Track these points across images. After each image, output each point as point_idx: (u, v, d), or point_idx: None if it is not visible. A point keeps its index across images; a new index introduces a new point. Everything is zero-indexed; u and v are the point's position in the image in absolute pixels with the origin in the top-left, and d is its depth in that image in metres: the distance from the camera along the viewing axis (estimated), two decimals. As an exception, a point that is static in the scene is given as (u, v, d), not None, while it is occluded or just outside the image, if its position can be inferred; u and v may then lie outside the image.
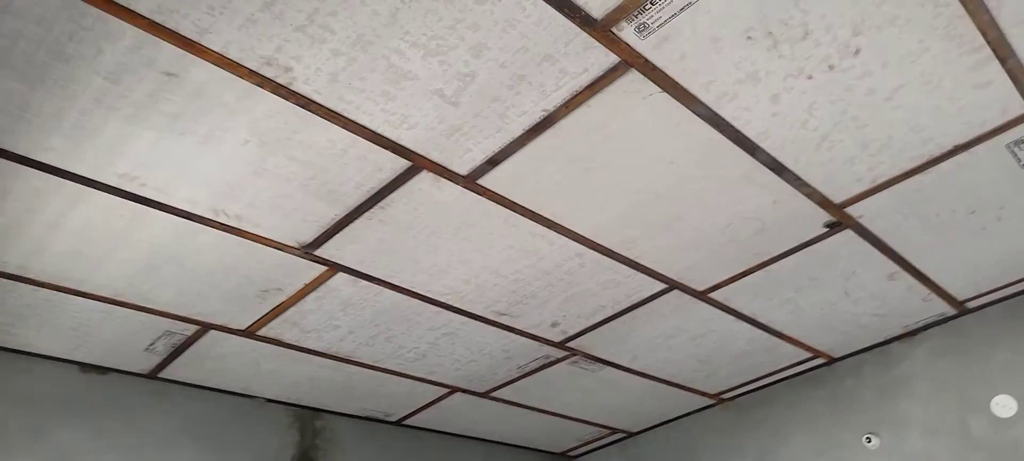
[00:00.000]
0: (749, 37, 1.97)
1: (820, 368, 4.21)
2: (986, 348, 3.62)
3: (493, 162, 2.32)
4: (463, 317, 3.24)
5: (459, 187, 2.42)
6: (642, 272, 3.03)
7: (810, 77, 2.11)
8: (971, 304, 3.62)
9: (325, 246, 2.66)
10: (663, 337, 3.62)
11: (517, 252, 2.81)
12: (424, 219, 2.57)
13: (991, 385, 3.57)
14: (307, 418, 3.99)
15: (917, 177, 2.60)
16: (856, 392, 4.05)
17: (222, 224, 2.48)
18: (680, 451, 4.77)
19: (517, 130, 2.20)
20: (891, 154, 2.46)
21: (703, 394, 4.43)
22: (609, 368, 3.91)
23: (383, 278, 2.90)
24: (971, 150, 2.47)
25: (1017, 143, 2.46)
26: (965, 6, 1.91)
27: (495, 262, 2.86)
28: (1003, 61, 2.10)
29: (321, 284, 2.88)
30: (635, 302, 3.26)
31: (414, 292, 3.02)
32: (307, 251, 2.67)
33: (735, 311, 3.44)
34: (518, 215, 2.59)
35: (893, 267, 3.18)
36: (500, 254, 2.81)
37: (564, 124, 2.20)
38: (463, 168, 2.34)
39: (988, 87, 2.19)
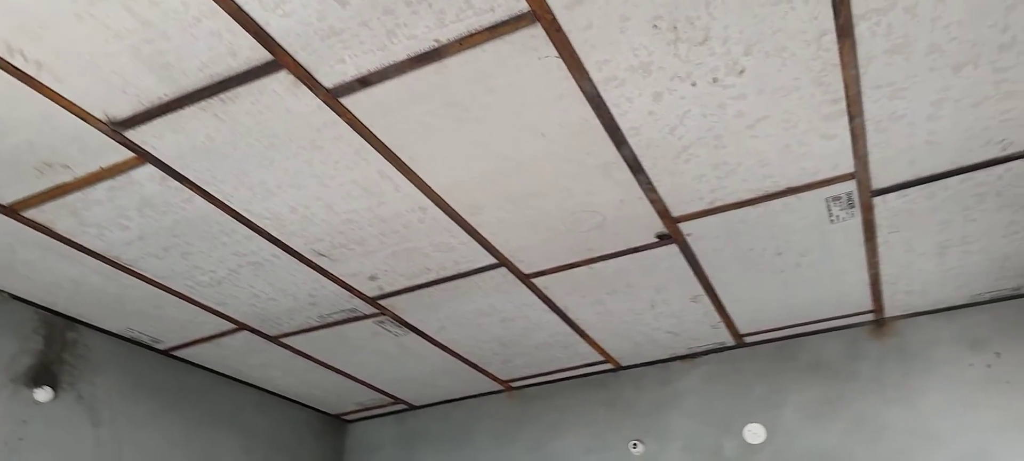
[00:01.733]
0: (655, 26, 1.96)
1: (606, 373, 4.42)
2: (751, 380, 4.02)
3: (365, 82, 2.11)
4: (277, 248, 2.96)
5: (318, 100, 2.17)
6: (478, 242, 2.96)
7: (694, 84, 2.16)
8: (749, 339, 4.00)
9: (140, 129, 2.27)
10: (476, 313, 3.58)
11: (359, 190, 2.60)
12: (268, 126, 2.28)
13: (747, 414, 3.96)
14: (58, 327, 3.42)
15: (747, 209, 2.79)
16: (633, 400, 4.30)
17: (15, 67, 2.02)
18: (457, 431, 4.77)
19: (401, 54, 2.02)
20: (735, 181, 2.61)
21: (494, 379, 4.47)
22: (413, 335, 3.79)
23: (199, 183, 2.54)
24: (798, 195, 2.70)
25: (834, 199, 2.72)
26: (841, 56, 2.06)
27: (332, 195, 2.63)
28: (852, 119, 2.30)
29: (121, 173, 2.46)
30: (462, 271, 3.18)
31: (230, 208, 2.69)
32: (116, 129, 2.26)
33: (551, 301, 3.48)
34: (373, 149, 2.39)
35: (699, 290, 3.41)
36: (340, 188, 2.58)
37: (452, 62, 2.06)
38: (329, 80, 2.10)
39: (832, 140, 2.40)
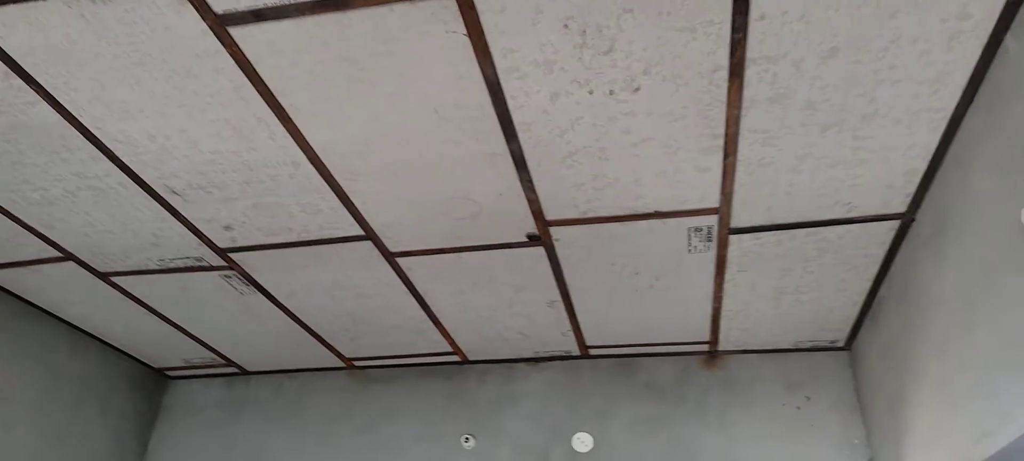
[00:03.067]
0: (566, 26, 1.98)
1: (452, 365, 4.42)
2: (588, 390, 4.16)
3: (259, 16, 1.97)
4: (126, 177, 2.70)
5: (205, 24, 2.01)
6: (348, 209, 2.86)
7: (591, 92, 2.21)
8: (593, 351, 4.14)
9: (-15, 10, 2.00)
10: (333, 284, 3.45)
11: (230, 131, 2.43)
12: (140, 41, 2.08)
13: (579, 422, 4.09)
14: None
15: (615, 225, 2.88)
16: (474, 396, 4.33)
17: None
18: (288, 403, 4.59)
19: (306, -6, 1.91)
20: (610, 195, 2.69)
21: (338, 355, 4.34)
22: (260, 296, 3.60)
23: (48, 88, 2.27)
24: (664, 220, 2.83)
25: (696, 229, 2.88)
26: (729, 95, 2.18)
27: (198, 130, 2.44)
28: (726, 156, 2.44)
29: (-47, 55, 2.16)
30: (326, 238, 3.06)
31: (79, 122, 2.42)
32: (-45, 3, 1.98)
33: (412, 284, 3.43)
34: (254, 89, 2.24)
35: (556, 296, 3.49)
36: (210, 125, 2.40)
37: (356, 16, 1.97)
38: (221, 5, 1.95)
39: (705, 173, 2.53)
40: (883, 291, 3.22)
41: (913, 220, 2.74)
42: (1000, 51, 1.95)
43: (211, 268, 3.36)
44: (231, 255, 3.23)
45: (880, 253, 2.98)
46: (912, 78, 2.08)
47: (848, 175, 2.51)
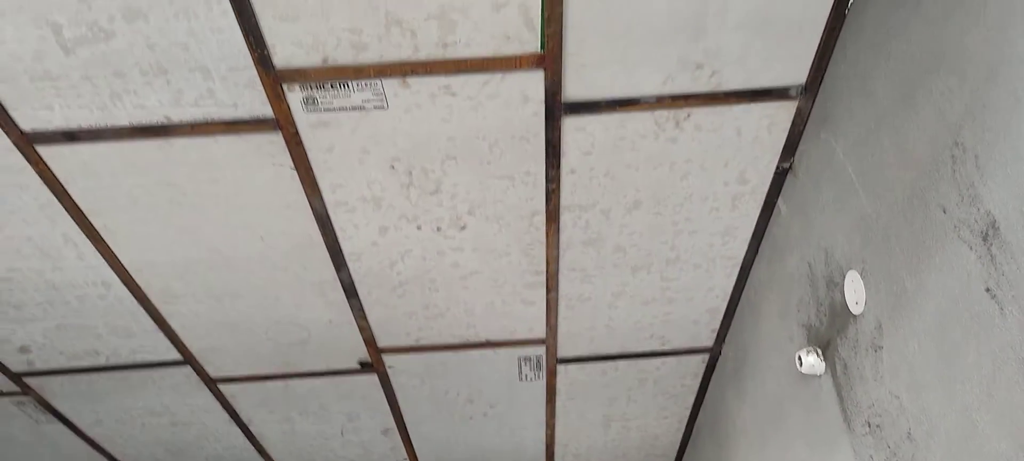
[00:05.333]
0: (392, 167, 2.06)
1: (279, 496, 4.16)
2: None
3: (72, 136, 1.90)
4: (-98, 293, 2.43)
5: (8, 140, 1.90)
6: (165, 333, 2.70)
7: (419, 228, 2.27)
8: (429, 478, 4.05)
9: None
10: (145, 412, 3.20)
11: (32, 249, 2.27)
12: (-70, 152, 1.93)
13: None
14: None
15: (448, 353, 2.91)
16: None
17: None
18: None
19: (123, 120, 1.86)
20: (442, 324, 2.73)
21: (150, 487, 3.96)
22: (61, 425, 3.27)
23: None
24: (495, 349, 2.90)
25: (526, 359, 2.97)
26: (547, 236, 2.32)
27: (-6, 247, 2.26)
28: (549, 291, 2.57)
29: None
30: (138, 363, 2.86)
31: None
32: None
33: (235, 411, 3.25)
34: (62, 209, 2.12)
35: (391, 423, 3.42)
36: (9, 242, 2.23)
37: (179, 143, 1.94)
38: (28, 123, 1.86)
39: (531, 306, 2.64)
40: (701, 420, 3.43)
41: (720, 354, 2.98)
42: (775, 212, 2.23)
43: (1, 394, 3.02)
44: (26, 380, 2.93)
45: (694, 384, 3.20)
46: (706, 230, 2.31)
47: (660, 311, 2.71)
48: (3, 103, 1.80)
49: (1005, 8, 1.15)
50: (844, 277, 1.82)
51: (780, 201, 2.19)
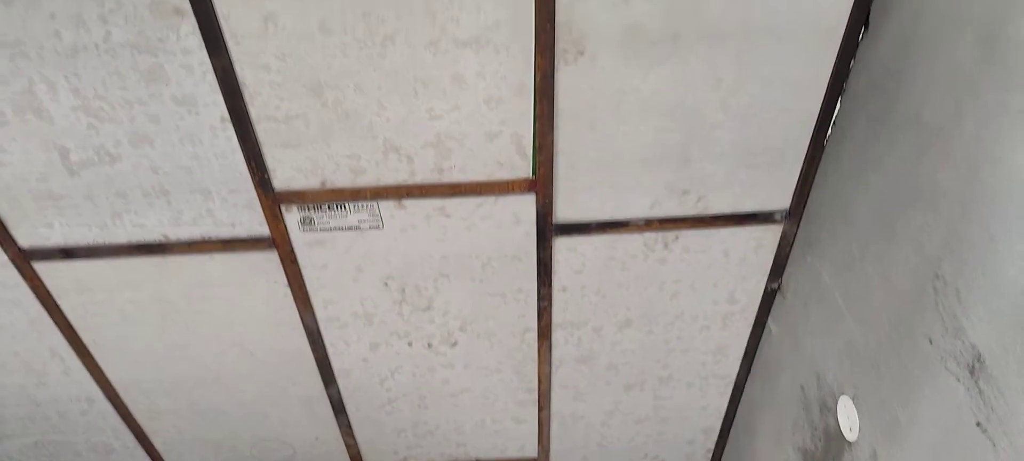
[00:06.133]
0: (386, 284, 2.08)
1: None
2: None
3: (69, 254, 1.92)
4: None
5: (5, 256, 1.92)
6: (146, 450, 2.64)
7: (410, 344, 2.27)
8: None
9: None
10: (121, 531, 3.08)
11: (18, 363, 2.24)
12: (-75, 267, 1.94)
13: None
14: None
15: (437, 472, 2.85)
16: None
17: None
18: None
19: (122, 239, 1.89)
20: (432, 442, 2.68)
21: None
22: (31, 545, 3.13)
23: None
24: (484, 468, 2.83)
25: (516, 478, 2.90)
26: (539, 354, 2.31)
27: (-20, 361, 2.23)
28: (540, 409, 2.54)
29: None
30: (118, 480, 2.78)
31: None
32: None
33: (214, 531, 3.13)
34: (53, 323, 2.12)
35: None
36: (-5, 355, 2.21)
37: (175, 261, 1.96)
38: (26, 240, 1.88)
39: (522, 424, 2.61)
40: (695, 541, 3.32)
41: (714, 474, 2.92)
42: (765, 332, 2.24)
43: (-28, 512, 2.91)
44: (0, 497, 2.84)
45: (689, 504, 3.11)
46: (698, 348, 2.32)
47: (653, 431, 2.68)
48: (4, 221, 1.83)
49: (972, 147, 1.21)
50: (837, 402, 1.82)
51: (770, 321, 2.21)
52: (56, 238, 1.88)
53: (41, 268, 1.96)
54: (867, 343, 1.63)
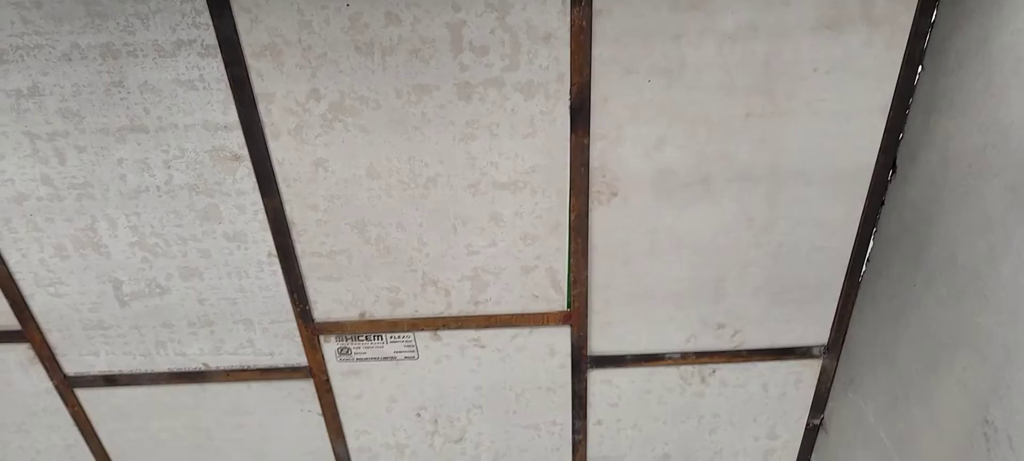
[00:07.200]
0: (418, 415, 2.07)
1: None
2: None
3: (111, 381, 1.96)
4: (-87, 533, 2.38)
5: (51, 382, 1.96)
6: None
7: (442, 477, 2.23)
8: None
9: None
10: None
11: (52, 490, 2.25)
12: (-26, 393, 1.99)
13: None
14: None
15: None
16: None
17: None
18: None
19: (164, 367, 1.93)
20: None
21: None
22: None
23: None
24: None
25: None
26: (574, 489, 2.26)
27: (15, 487, 2.24)
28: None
29: None
30: None
31: None
32: None
33: None
34: (88, 450, 2.13)
35: None
36: (30, 482, 2.22)
37: (212, 389, 1.99)
38: (72, 368, 1.93)
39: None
40: None
41: None
42: (808, 469, 2.17)
43: None
44: None
45: None
46: (737, 486, 2.24)
47: None
48: (53, 350, 1.88)
49: (1011, 291, 1.21)
50: (887, 547, 1.73)
51: (814, 459, 2.14)
52: (101, 366, 1.93)
53: (83, 395, 2.00)
54: (916, 488, 1.57)
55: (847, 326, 1.84)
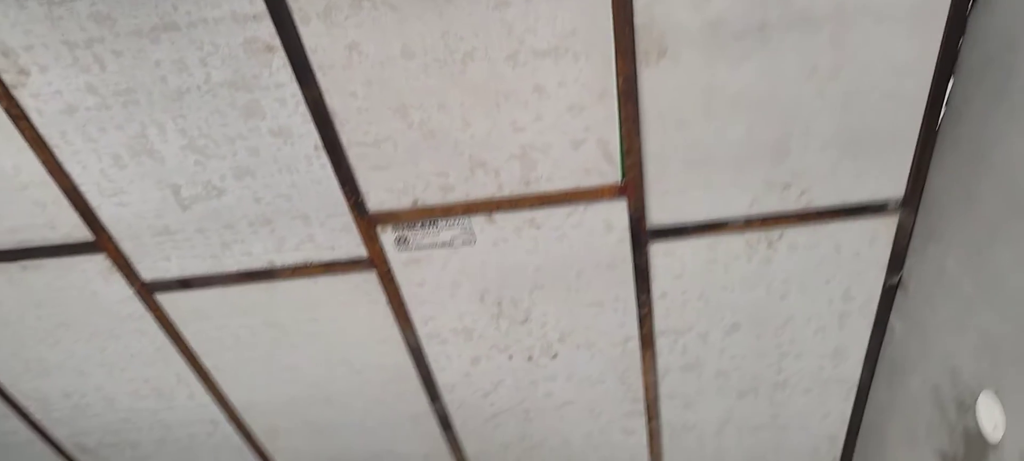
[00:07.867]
0: (482, 299, 2.08)
1: None
2: None
3: (186, 284, 2.04)
4: (34, 433, 2.61)
5: (131, 290, 2.07)
6: (269, 468, 2.76)
7: (511, 357, 2.27)
8: None
9: (-87, 273, 2.04)
10: (251, 546, 3.24)
11: (149, 389, 2.41)
12: (64, 305, 2.12)
13: None
14: None
15: (545, 485, 2.82)
16: None
17: None
18: None
19: (232, 267, 1.99)
20: (540, 455, 2.66)
21: None
22: (172, 559, 3.34)
23: (-36, 346, 2.26)
24: (595, 481, 2.78)
25: (627, 491, 2.83)
26: (643, 362, 2.25)
27: (116, 389, 2.41)
28: (650, 420, 2.47)
29: None
30: (244, 497, 2.92)
31: (-7, 379, 2.39)
32: None
33: (336, 546, 3.23)
34: (177, 350, 2.26)
35: (490, 558, 3.30)
36: (129, 383, 2.38)
37: (282, 286, 2.05)
38: (149, 273, 2.02)
39: (631, 435, 2.54)
40: (824, 555, 3.12)
41: (841, 484, 2.74)
42: (888, 330, 2.09)
43: (120, 528, 3.14)
44: (142, 514, 3.05)
45: (814, 516, 2.94)
46: (813, 352, 2.19)
47: (771, 440, 2.55)
48: (128, 258, 1.97)
49: (1117, 116, 1.07)
50: (976, 400, 1.66)
51: (893, 319, 2.05)
52: (174, 270, 2.00)
53: (162, 299, 2.09)
54: (1007, 333, 1.48)
55: (925, 176, 1.71)
